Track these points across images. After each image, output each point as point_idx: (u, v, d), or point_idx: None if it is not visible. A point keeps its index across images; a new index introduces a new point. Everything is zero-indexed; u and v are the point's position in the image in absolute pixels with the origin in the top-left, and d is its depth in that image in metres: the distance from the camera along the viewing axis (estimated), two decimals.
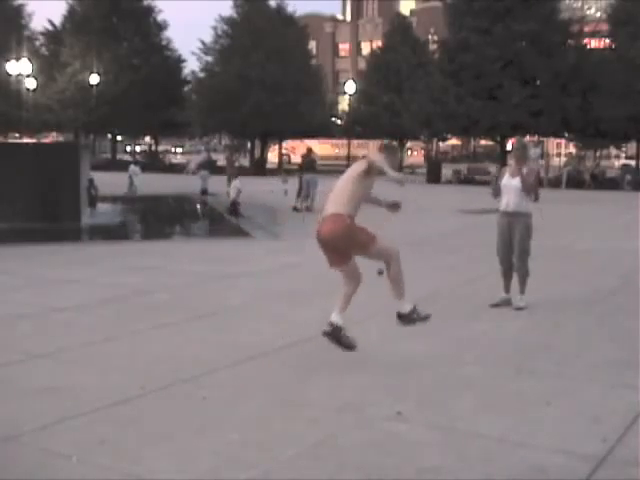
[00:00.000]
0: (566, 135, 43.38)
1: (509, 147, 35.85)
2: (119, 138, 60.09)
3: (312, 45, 59.33)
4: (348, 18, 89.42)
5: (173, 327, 7.31)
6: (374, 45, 62.76)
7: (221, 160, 40.67)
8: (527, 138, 38.55)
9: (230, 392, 5.41)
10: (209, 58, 45.96)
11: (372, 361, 6.17)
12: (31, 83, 45.08)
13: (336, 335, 6.04)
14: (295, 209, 20.61)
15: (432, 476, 4.07)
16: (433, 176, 38.94)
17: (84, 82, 47.08)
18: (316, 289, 9.27)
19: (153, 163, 45.82)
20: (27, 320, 7.51)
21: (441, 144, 54.89)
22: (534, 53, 37.05)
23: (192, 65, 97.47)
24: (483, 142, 54.92)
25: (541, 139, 46.45)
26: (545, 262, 10.70)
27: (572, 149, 57.11)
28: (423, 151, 57.46)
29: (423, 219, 18.56)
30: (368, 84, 50.81)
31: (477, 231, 15.17)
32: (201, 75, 46.67)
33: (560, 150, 59.76)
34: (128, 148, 70.38)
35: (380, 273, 6.33)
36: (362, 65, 66.09)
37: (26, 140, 39.32)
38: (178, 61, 51.91)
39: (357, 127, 50.06)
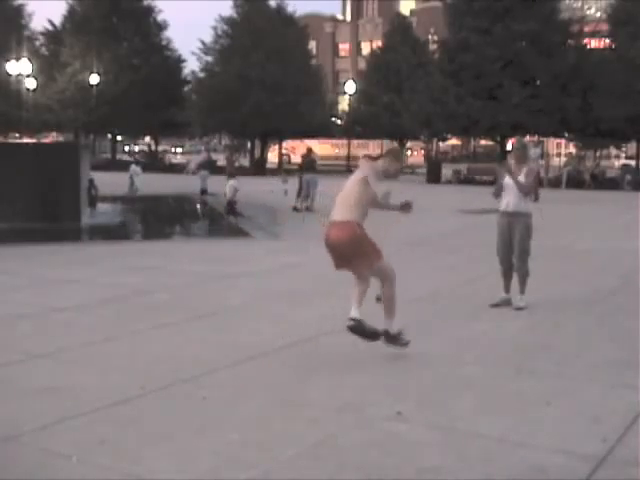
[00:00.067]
0: (566, 135, 43.40)
1: (509, 147, 35.82)
2: (119, 138, 60.12)
3: (312, 45, 59.35)
4: (348, 18, 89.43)
5: (173, 327, 7.31)
6: (374, 45, 62.80)
7: (221, 160, 40.70)
8: (527, 138, 38.54)
9: (230, 392, 5.41)
10: (209, 58, 46.00)
11: (372, 361, 6.17)
12: (31, 83, 45.09)
13: (360, 328, 6.11)
14: (295, 209, 20.62)
15: (432, 476, 4.07)
16: (433, 176, 38.93)
17: (84, 82, 47.10)
18: (316, 289, 9.29)
19: (153, 163, 45.82)
20: (27, 320, 7.51)
21: (441, 144, 54.87)
22: (534, 53, 37.06)
23: (192, 65, 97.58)
24: (483, 142, 54.85)
25: (541, 139, 46.48)
26: (545, 262, 10.70)
27: (572, 149, 57.08)
28: (423, 151, 57.46)
29: (423, 219, 18.52)
30: (368, 84, 50.85)
31: (477, 231, 15.17)
32: (201, 75, 46.70)
33: (560, 150, 59.73)
34: (127, 148, 70.34)
35: (378, 299, 6.43)
36: (362, 65, 66.12)
37: (26, 140, 39.33)
38: (178, 61, 51.92)
39: (357, 127, 50.10)
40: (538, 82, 38.01)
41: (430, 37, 56.31)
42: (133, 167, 27.95)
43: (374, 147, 58.92)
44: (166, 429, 4.68)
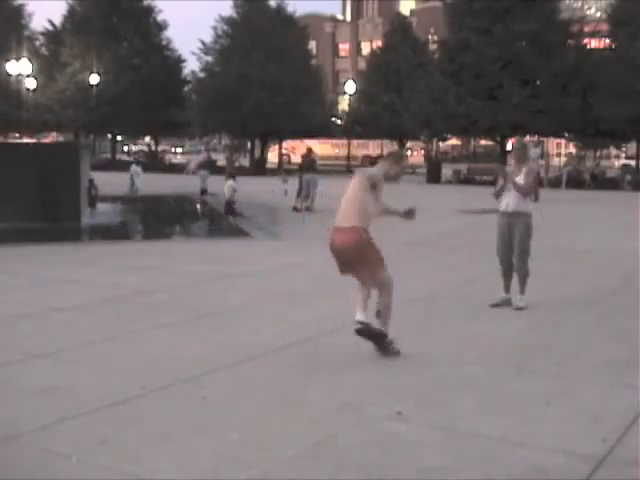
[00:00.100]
0: (566, 135, 43.40)
1: (509, 147, 35.83)
2: (119, 138, 60.11)
3: (312, 45, 59.34)
4: (348, 18, 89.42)
5: (173, 327, 7.31)
6: (374, 45, 62.81)
7: (221, 160, 40.69)
8: (527, 138, 38.54)
9: (230, 392, 5.41)
10: (209, 58, 45.99)
11: (372, 361, 6.17)
12: (31, 83, 45.09)
13: (367, 330, 6.13)
14: (295, 209, 20.62)
15: (432, 476, 4.07)
16: (433, 176, 38.94)
17: (84, 82, 47.10)
18: (316, 289, 9.29)
19: (153, 163, 45.82)
20: (27, 320, 7.51)
21: (441, 144, 54.88)
22: (534, 53, 37.06)
23: (192, 65, 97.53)
24: (483, 142, 54.87)
25: (541, 139, 46.49)
26: (545, 262, 10.70)
27: (572, 149, 57.10)
28: (423, 151, 57.48)
29: (423, 219, 18.49)
30: (368, 84, 50.85)
31: (477, 231, 15.17)
32: (201, 75, 46.69)
33: (560, 150, 59.75)
34: (125, 148, 70.26)
35: (378, 314, 6.40)
36: (362, 65, 66.12)
37: (26, 140, 39.32)
38: (178, 61, 51.92)
39: (357, 127, 50.12)
40: (538, 82, 38.00)
41: (430, 37, 56.31)
42: (134, 167, 27.95)
43: (374, 147, 59.06)
44: (166, 429, 4.68)
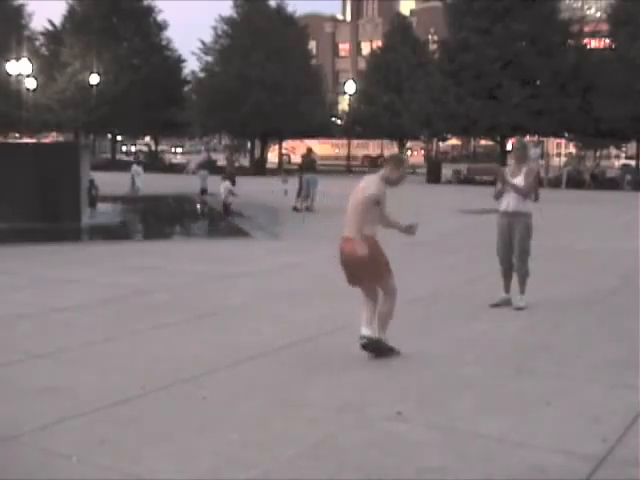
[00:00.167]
0: (566, 135, 43.39)
1: (509, 147, 35.83)
2: (119, 138, 60.09)
3: (312, 45, 59.31)
4: (348, 18, 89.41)
5: (173, 327, 7.31)
6: (374, 45, 62.79)
7: (221, 160, 40.70)
8: (527, 138, 38.52)
9: (230, 392, 5.41)
10: (209, 58, 45.97)
11: (372, 361, 6.16)
12: (31, 83, 45.07)
13: (372, 345, 6.13)
14: (295, 209, 20.61)
15: (432, 476, 4.07)
16: (433, 176, 38.92)
17: (84, 82, 47.09)
18: (316, 289, 9.29)
19: (153, 163, 45.82)
20: (27, 320, 7.51)
21: (441, 144, 54.89)
22: (534, 53, 37.06)
23: (192, 65, 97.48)
24: (483, 142, 54.88)
25: (541, 139, 46.48)
26: (545, 262, 10.70)
27: (572, 149, 57.10)
28: (423, 151, 57.48)
29: (423, 219, 18.54)
30: (368, 84, 50.84)
31: (477, 231, 15.18)
32: (201, 75, 46.67)
33: (560, 150, 59.75)
34: (124, 148, 70.15)
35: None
36: (362, 65, 66.11)
37: (26, 140, 39.31)
38: (178, 61, 51.91)
39: (357, 127, 50.11)
40: (538, 82, 37.99)
41: (430, 37, 56.29)
42: (135, 167, 27.94)
43: (374, 147, 59.09)
44: (166, 429, 4.68)
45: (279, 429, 4.69)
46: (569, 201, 25.82)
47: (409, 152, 56.89)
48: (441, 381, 5.71)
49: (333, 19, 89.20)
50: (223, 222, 18.80)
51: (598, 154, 55.70)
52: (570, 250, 13.44)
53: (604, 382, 5.74)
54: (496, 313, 8.07)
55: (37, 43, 52.92)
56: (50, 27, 52.79)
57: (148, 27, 50.57)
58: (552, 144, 57.98)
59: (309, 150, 22.98)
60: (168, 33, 54.30)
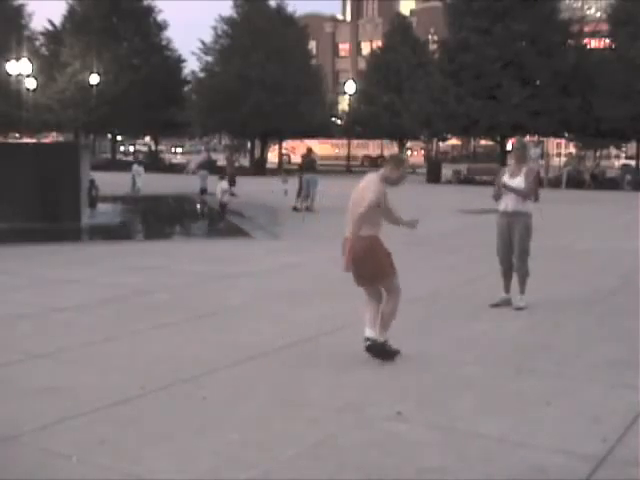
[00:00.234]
0: (566, 135, 43.38)
1: (509, 147, 35.83)
2: (119, 138, 60.06)
3: (312, 45, 59.31)
4: (348, 18, 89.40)
5: (173, 327, 7.31)
6: (374, 45, 62.80)
7: (221, 160, 40.71)
8: (527, 138, 38.52)
9: (230, 392, 5.41)
10: (209, 58, 45.97)
11: (372, 361, 6.16)
12: (31, 83, 45.06)
13: (377, 349, 6.13)
14: (295, 209, 20.61)
15: (432, 476, 4.07)
16: (433, 176, 38.92)
17: (84, 82, 47.09)
18: (316, 289, 9.29)
19: (153, 163, 45.81)
20: (27, 320, 7.51)
21: (441, 144, 54.88)
22: (534, 53, 37.06)
23: (192, 65, 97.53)
24: (483, 142, 54.88)
25: (541, 139, 46.47)
26: (545, 262, 10.70)
27: (572, 149, 57.09)
28: (423, 151, 57.48)
29: (423, 219, 18.53)
30: (368, 84, 50.86)
31: (477, 231, 15.18)
32: (201, 75, 46.67)
33: (560, 150, 59.74)
34: (122, 148, 70.00)
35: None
36: (362, 65, 66.11)
37: (26, 140, 39.30)
38: (178, 61, 51.91)
39: (357, 127, 50.12)
40: (538, 82, 37.99)
41: (430, 37, 56.31)
42: (135, 167, 27.93)
43: (374, 147, 59.08)
44: (166, 429, 4.68)
45: (279, 429, 4.69)
46: (569, 201, 25.82)
47: (409, 152, 56.88)
48: (441, 381, 5.71)
49: (333, 19, 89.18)
50: (223, 222, 18.80)
51: (598, 154, 55.69)
52: (570, 250, 13.44)
53: (604, 382, 5.74)
54: (496, 313, 8.07)
55: (37, 43, 52.92)
56: (50, 27, 52.82)
57: (148, 27, 50.57)
58: (552, 144, 57.97)
59: (309, 150, 22.98)
60: (168, 33, 54.41)
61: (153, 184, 28.41)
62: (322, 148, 53.62)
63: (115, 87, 46.53)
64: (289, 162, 49.94)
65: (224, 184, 20.18)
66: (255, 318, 7.71)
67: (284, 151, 51.67)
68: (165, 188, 28.58)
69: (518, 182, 8.20)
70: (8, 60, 43.07)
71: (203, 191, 25.91)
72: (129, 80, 46.49)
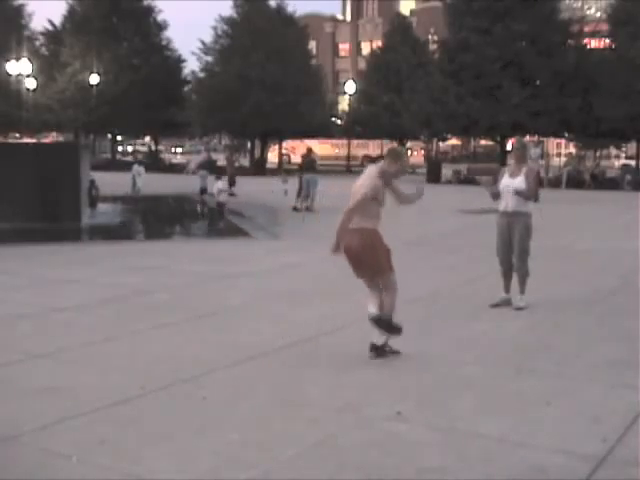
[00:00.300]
0: (566, 135, 43.37)
1: (509, 147, 35.80)
2: (119, 138, 60.02)
3: (312, 45, 59.29)
4: (348, 18, 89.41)
5: (173, 327, 7.31)
6: (374, 45, 62.77)
7: (221, 160, 40.73)
8: (527, 138, 38.51)
9: (230, 392, 5.41)
10: (209, 58, 45.95)
11: (372, 361, 6.17)
12: (31, 83, 45.06)
13: (384, 321, 6.18)
14: (295, 209, 20.61)
15: (432, 476, 4.07)
16: (433, 176, 38.91)
17: (84, 82, 47.08)
18: (316, 289, 9.29)
19: (153, 163, 45.81)
20: (27, 320, 7.51)
21: (441, 144, 54.88)
22: (534, 53, 37.04)
23: (192, 65, 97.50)
24: (483, 142, 54.90)
25: (541, 139, 46.46)
26: (545, 262, 10.70)
27: (572, 149, 57.10)
28: (423, 151, 57.49)
29: (423, 219, 18.56)
30: (368, 84, 50.83)
31: (477, 231, 15.17)
32: (201, 75, 46.65)
33: (560, 150, 59.74)
34: (120, 148, 69.78)
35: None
36: (362, 65, 66.10)
37: (26, 140, 39.29)
38: (178, 61, 51.89)
39: (357, 127, 50.10)
40: (538, 82, 37.97)
41: (430, 37, 56.29)
42: (136, 167, 27.92)
43: (374, 147, 59.05)
44: (166, 429, 4.68)
45: (279, 429, 4.69)
46: (569, 201, 25.82)
47: (409, 152, 56.86)
48: (441, 381, 5.71)
49: (333, 19, 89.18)
50: (223, 222, 18.80)
51: (598, 154, 55.69)
52: (570, 250, 13.44)
53: (604, 382, 5.74)
54: (496, 313, 8.07)
55: (37, 43, 52.89)
56: (50, 27, 52.79)
57: (148, 27, 50.56)
58: (552, 144, 57.96)
59: (309, 150, 22.98)
60: (168, 33, 54.39)
61: (153, 184, 28.40)
62: (322, 148, 53.60)
63: (115, 87, 46.52)
64: (289, 162, 49.92)
65: (220, 184, 20.20)
66: (255, 318, 7.71)
67: (284, 151, 51.66)
68: (165, 188, 28.58)
69: (518, 182, 8.21)
70: (8, 60, 43.07)
71: (203, 191, 25.89)
72: (129, 80, 46.48)
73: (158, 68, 47.82)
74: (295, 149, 53.27)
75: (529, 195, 8.24)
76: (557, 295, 9.08)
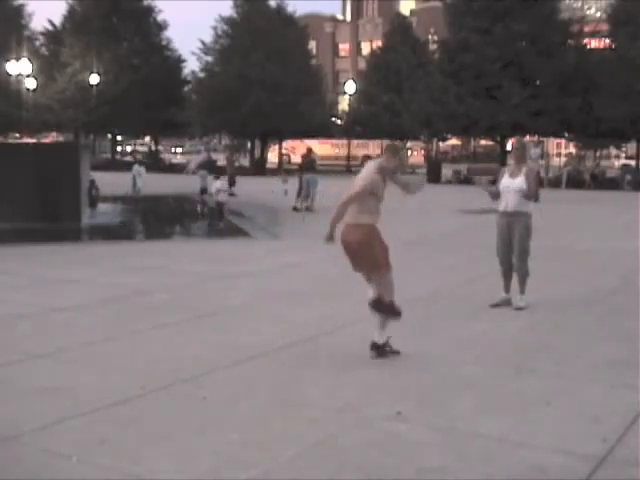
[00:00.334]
0: (566, 135, 43.37)
1: (509, 147, 35.78)
2: (119, 138, 59.98)
3: (312, 45, 59.29)
4: (348, 18, 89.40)
5: (173, 327, 7.31)
6: (374, 45, 62.78)
7: (221, 160, 40.74)
8: (527, 138, 38.51)
9: (230, 392, 5.41)
10: (209, 58, 45.96)
11: (372, 361, 6.17)
12: (31, 83, 45.07)
13: (381, 305, 6.21)
14: (295, 209, 20.61)
15: (432, 476, 4.07)
16: (433, 176, 38.89)
17: (84, 82, 47.09)
18: (316, 289, 9.29)
19: (153, 163, 45.81)
20: (27, 320, 7.51)
21: (441, 144, 54.86)
22: (534, 53, 37.04)
23: (192, 65, 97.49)
24: (483, 142, 54.87)
25: (541, 139, 46.47)
26: (545, 262, 10.70)
27: (572, 149, 57.09)
28: (423, 151, 57.49)
29: (423, 219, 18.57)
30: (368, 84, 50.84)
31: (477, 231, 15.17)
32: (201, 75, 46.67)
33: (560, 150, 59.73)
34: (118, 148, 69.72)
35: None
36: (362, 65, 66.10)
37: (26, 140, 39.28)
38: (178, 61, 51.90)
39: (357, 127, 50.11)
40: (538, 82, 37.97)
41: (430, 37, 56.29)
42: (136, 167, 27.90)
43: (374, 147, 58.99)
44: (166, 429, 4.68)
45: (279, 429, 4.69)
46: (569, 201, 25.81)
47: (409, 152, 56.86)
48: (441, 381, 5.71)
49: (333, 19, 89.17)
50: (223, 222, 18.80)
51: (598, 154, 55.68)
52: (570, 250, 13.44)
53: (604, 382, 5.74)
54: (496, 313, 8.07)
55: (37, 43, 52.90)
56: (50, 27, 52.81)
57: (148, 27, 50.57)
58: (552, 144, 57.94)
59: (309, 150, 22.98)
60: (168, 33, 54.40)
61: (153, 184, 28.39)
62: (322, 148, 53.59)
63: (115, 87, 46.53)
64: (289, 162, 49.92)
65: (218, 183, 20.20)
66: (255, 318, 7.71)
67: (284, 151, 51.66)
68: (165, 188, 28.57)
69: (518, 182, 8.21)
70: (8, 60, 43.08)
71: (203, 191, 25.87)
72: (129, 80, 46.50)
73: (158, 68, 47.83)
74: (295, 149, 53.26)
75: (528, 195, 8.24)
76: (557, 295, 9.08)
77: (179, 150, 78.26)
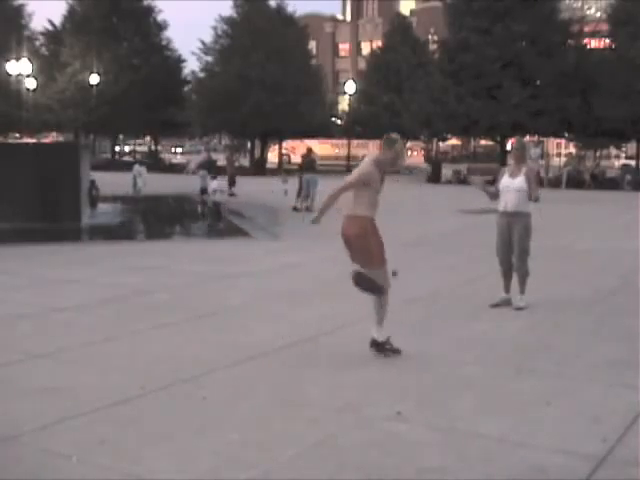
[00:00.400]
0: (566, 135, 43.38)
1: (509, 147, 35.78)
2: (120, 137, 59.97)
3: (312, 45, 59.31)
4: (348, 18, 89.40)
5: (173, 327, 7.31)
6: (374, 45, 62.82)
7: (221, 160, 40.73)
8: (527, 138, 38.51)
9: (230, 392, 5.41)
10: (209, 58, 45.98)
11: (372, 361, 6.17)
12: (31, 83, 45.07)
13: (361, 277, 6.24)
14: (295, 209, 20.61)
15: (432, 476, 4.07)
16: (433, 176, 38.93)
17: (84, 82, 47.11)
18: (316, 289, 9.29)
19: (154, 163, 45.80)
20: (27, 320, 7.51)
21: (441, 144, 54.86)
22: (534, 53, 37.05)
23: (192, 65, 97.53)
24: (483, 142, 54.86)
25: (541, 139, 46.47)
26: (545, 262, 10.70)
27: (572, 149, 57.08)
28: (423, 151, 57.49)
29: (423, 219, 18.57)
30: (368, 84, 50.88)
31: (477, 231, 15.17)
32: (201, 75, 46.68)
33: (560, 150, 59.72)
34: (117, 148, 69.71)
35: (394, 274, 6.45)
36: (362, 65, 66.12)
37: (26, 140, 39.28)
38: (178, 61, 51.94)
39: (357, 127, 50.14)
40: (538, 82, 37.98)
41: (430, 37, 56.30)
42: (137, 167, 27.91)
43: (374, 147, 58.97)
44: (166, 429, 4.68)
45: (279, 429, 4.69)
46: (569, 201, 25.81)
47: (409, 152, 56.83)
48: (441, 381, 5.71)
49: (333, 19, 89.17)
50: (223, 222, 18.81)
51: (598, 154, 55.68)
52: (570, 250, 13.44)
53: (604, 382, 5.74)
54: (496, 313, 8.07)
55: (37, 43, 52.92)
56: (50, 27, 52.84)
57: (148, 27, 50.60)
58: (552, 144, 57.95)
59: (309, 150, 22.98)
60: (168, 33, 54.48)
61: (153, 184, 28.38)
62: (322, 148, 53.60)
63: (115, 87, 46.54)
64: (289, 162, 49.92)
65: (214, 183, 20.23)
66: (255, 318, 7.71)
67: (284, 151, 51.67)
68: (165, 188, 28.56)
69: (519, 182, 8.21)
70: (8, 60, 43.07)
71: (203, 191, 25.91)
72: (129, 80, 46.51)
73: (158, 68, 47.85)
74: (295, 149, 53.25)
75: (532, 196, 8.23)
76: (557, 295, 9.08)
77: (179, 150, 78.23)
